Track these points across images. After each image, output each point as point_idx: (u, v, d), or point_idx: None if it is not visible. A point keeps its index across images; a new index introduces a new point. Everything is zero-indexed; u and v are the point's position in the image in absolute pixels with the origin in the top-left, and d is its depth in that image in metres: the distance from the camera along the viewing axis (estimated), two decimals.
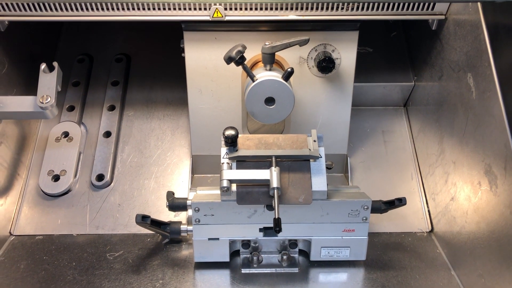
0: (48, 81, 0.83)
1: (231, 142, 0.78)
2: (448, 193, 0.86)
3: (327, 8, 0.82)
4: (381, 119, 1.06)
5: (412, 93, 1.03)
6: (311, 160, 0.78)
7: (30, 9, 0.82)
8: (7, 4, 0.81)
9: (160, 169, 0.99)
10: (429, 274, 0.82)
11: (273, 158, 0.77)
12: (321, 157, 0.78)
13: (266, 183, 0.75)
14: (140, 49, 1.13)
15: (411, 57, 1.05)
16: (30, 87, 0.99)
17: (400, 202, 0.82)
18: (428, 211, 0.93)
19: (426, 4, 0.82)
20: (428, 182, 0.94)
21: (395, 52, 1.07)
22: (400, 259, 0.86)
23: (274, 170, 0.74)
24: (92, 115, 1.05)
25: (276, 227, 0.71)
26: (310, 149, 0.78)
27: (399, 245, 0.89)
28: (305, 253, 0.86)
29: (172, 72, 1.09)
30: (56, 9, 0.82)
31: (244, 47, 0.79)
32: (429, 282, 0.81)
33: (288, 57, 0.88)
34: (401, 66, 1.05)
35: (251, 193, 0.77)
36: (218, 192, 0.81)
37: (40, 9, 0.82)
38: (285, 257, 0.84)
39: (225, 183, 0.75)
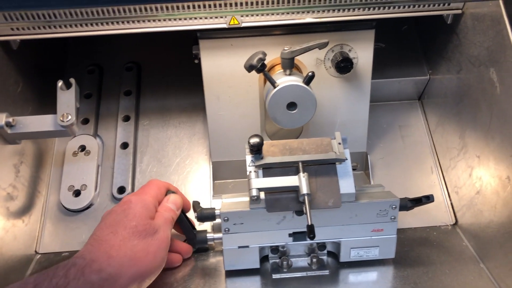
0: (67, 98, 0.82)
1: (257, 150, 0.78)
2: (473, 186, 0.86)
3: (343, 10, 0.82)
4: (397, 113, 1.06)
5: (427, 87, 1.03)
6: (337, 163, 0.78)
7: (44, 27, 0.81)
8: (22, 26, 0.80)
9: (181, 177, 0.99)
10: (459, 268, 0.83)
11: (300, 164, 0.77)
12: (347, 159, 0.79)
13: (295, 189, 0.75)
14: (150, 56, 1.12)
15: (424, 51, 1.05)
16: (43, 102, 0.98)
17: (427, 199, 0.82)
18: (451, 204, 0.94)
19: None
20: (450, 176, 0.95)
21: (407, 46, 1.07)
22: (428, 255, 0.86)
23: (303, 176, 0.75)
24: (107, 126, 1.04)
25: (310, 234, 0.71)
26: (335, 152, 0.78)
27: (425, 240, 0.89)
28: (333, 254, 0.86)
29: (185, 78, 1.08)
30: (70, 26, 0.81)
31: (265, 54, 0.78)
32: (460, 277, 0.81)
33: (304, 59, 0.88)
34: (415, 60, 1.05)
35: (279, 200, 0.77)
36: (244, 199, 0.82)
37: (54, 27, 0.81)
38: (314, 260, 0.84)
39: (254, 192, 0.75)
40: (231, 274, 0.84)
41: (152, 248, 0.73)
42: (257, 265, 0.84)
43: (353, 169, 0.81)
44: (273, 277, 0.83)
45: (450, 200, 0.94)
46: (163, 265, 0.76)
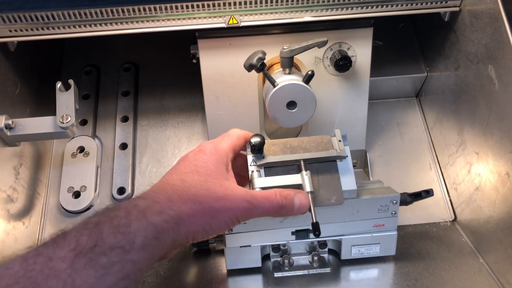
0: (66, 100, 0.82)
1: (258, 150, 0.78)
2: (472, 183, 0.87)
3: (341, 8, 0.82)
4: (395, 111, 1.07)
5: (425, 84, 1.03)
6: (337, 160, 0.79)
7: (42, 29, 0.81)
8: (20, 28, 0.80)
9: None
10: (458, 264, 0.84)
11: (302, 162, 0.77)
12: (347, 156, 0.79)
13: (298, 187, 0.75)
14: (147, 56, 1.12)
15: (421, 48, 1.06)
16: (40, 104, 0.98)
17: (427, 194, 0.83)
18: (450, 200, 0.95)
19: None
20: (448, 172, 0.95)
21: (404, 44, 1.07)
22: (428, 251, 0.87)
23: (306, 174, 0.75)
24: (105, 127, 1.04)
25: (315, 231, 0.71)
26: (336, 150, 0.79)
27: (425, 236, 0.90)
28: (334, 252, 0.86)
29: (182, 78, 1.08)
30: (68, 27, 0.81)
31: (264, 54, 0.78)
32: (460, 272, 0.82)
33: (303, 58, 0.88)
34: (412, 57, 1.05)
35: None
36: None
37: (52, 28, 0.81)
38: (315, 258, 0.84)
39: None
40: (233, 273, 0.85)
41: (218, 205, 0.67)
42: (259, 264, 0.84)
43: (353, 166, 0.82)
44: (275, 275, 0.84)
45: (449, 196, 0.95)
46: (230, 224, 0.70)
